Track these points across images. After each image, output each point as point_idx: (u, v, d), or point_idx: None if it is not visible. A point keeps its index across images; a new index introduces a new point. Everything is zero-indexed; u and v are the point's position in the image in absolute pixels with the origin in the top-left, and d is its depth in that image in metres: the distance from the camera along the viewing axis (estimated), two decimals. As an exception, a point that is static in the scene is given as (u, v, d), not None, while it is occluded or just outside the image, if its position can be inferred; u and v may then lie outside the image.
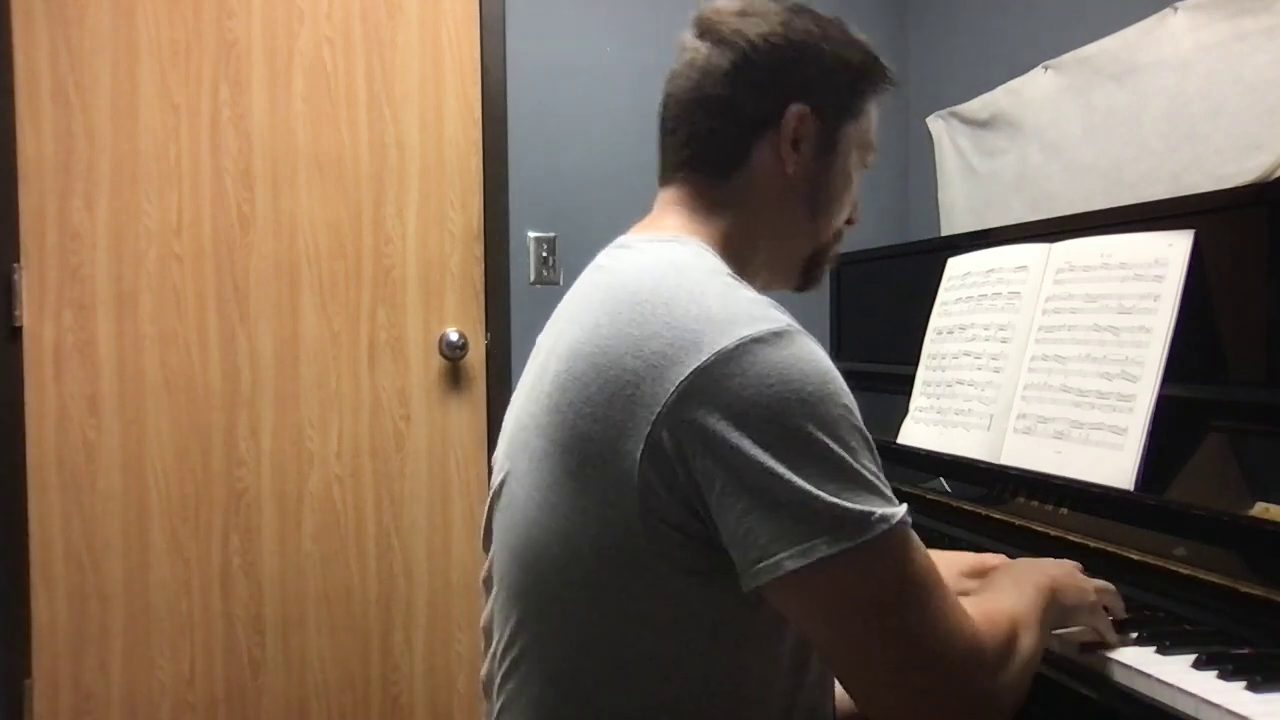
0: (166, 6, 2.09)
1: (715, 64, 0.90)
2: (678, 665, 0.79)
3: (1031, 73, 2.09)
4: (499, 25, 2.29)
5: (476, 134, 2.29)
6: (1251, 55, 1.57)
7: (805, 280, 1.00)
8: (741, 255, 0.90)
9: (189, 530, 2.12)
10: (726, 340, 0.73)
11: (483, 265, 2.30)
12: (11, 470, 2.00)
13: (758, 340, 0.73)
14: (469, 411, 2.30)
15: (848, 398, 0.75)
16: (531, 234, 2.33)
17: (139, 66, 2.08)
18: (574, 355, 0.80)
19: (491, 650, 0.92)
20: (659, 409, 0.73)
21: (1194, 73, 1.68)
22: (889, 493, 0.74)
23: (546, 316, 1.00)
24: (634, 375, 0.74)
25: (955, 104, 2.37)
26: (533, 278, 2.33)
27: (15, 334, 2.01)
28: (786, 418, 0.71)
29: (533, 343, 0.98)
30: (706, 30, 0.92)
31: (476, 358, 2.30)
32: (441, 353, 2.26)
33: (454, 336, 2.25)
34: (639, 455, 0.73)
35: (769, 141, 0.90)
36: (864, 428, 0.75)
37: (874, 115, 0.98)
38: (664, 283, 0.79)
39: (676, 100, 0.93)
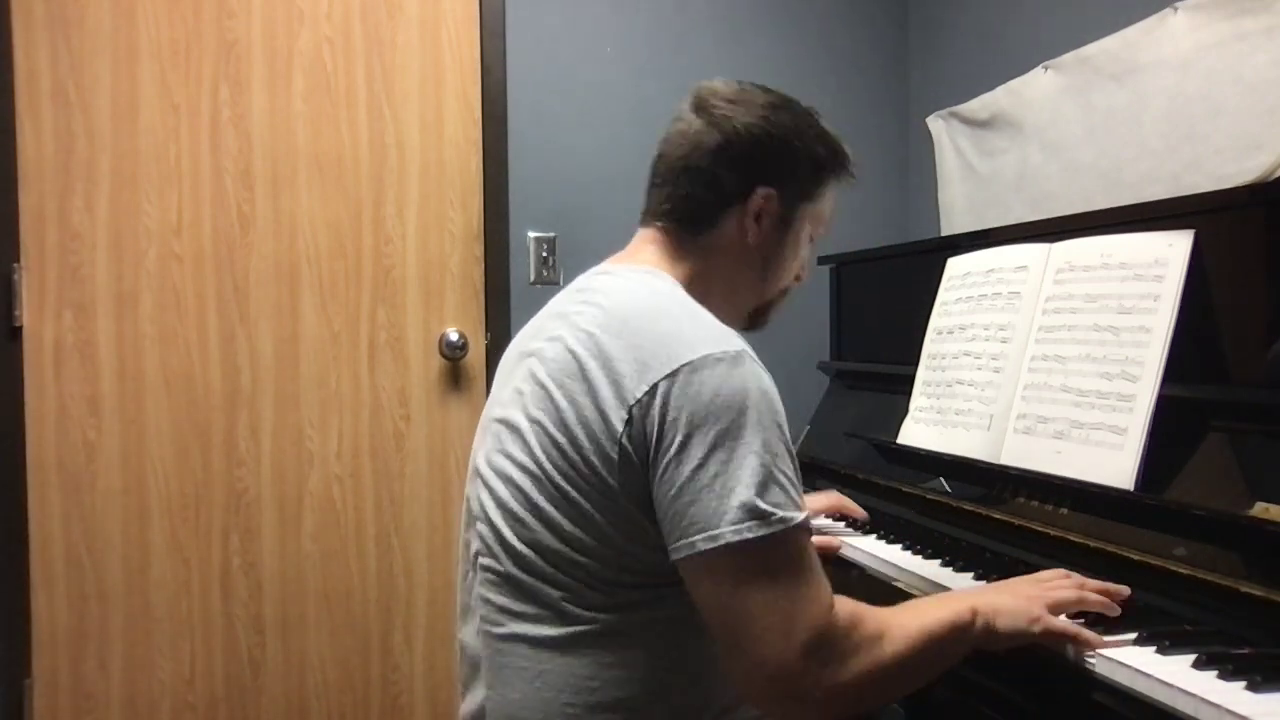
0: (166, 6, 2.09)
1: (704, 140, 1.07)
2: (661, 584, 0.95)
3: (1031, 73, 2.09)
4: (499, 25, 2.29)
5: (476, 134, 2.29)
6: (1251, 55, 1.57)
7: (750, 324, 1.17)
8: (698, 295, 1.04)
9: (189, 530, 2.12)
10: (693, 355, 0.90)
11: (483, 265, 2.30)
12: (11, 470, 2.00)
13: (717, 359, 0.90)
14: (469, 411, 2.30)
15: (781, 415, 0.92)
16: (531, 234, 2.33)
17: (139, 66, 2.08)
18: (570, 357, 0.96)
19: (473, 614, 1.05)
20: (636, 400, 0.91)
21: (1194, 73, 1.68)
22: (797, 496, 0.90)
23: None
24: (620, 374, 0.92)
25: (955, 104, 2.37)
26: (533, 278, 2.33)
27: (15, 334, 2.01)
28: (724, 422, 0.88)
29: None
30: (701, 108, 1.08)
31: (476, 358, 2.30)
32: (441, 353, 2.26)
33: (454, 336, 2.25)
34: (620, 435, 0.91)
35: (736, 213, 1.08)
36: (788, 439, 0.92)
37: (830, 198, 1.15)
38: (649, 303, 0.99)
39: (667, 162, 1.10)
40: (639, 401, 0.90)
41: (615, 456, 0.91)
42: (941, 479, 1.50)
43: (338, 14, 2.19)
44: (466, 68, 2.28)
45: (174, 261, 2.10)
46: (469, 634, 1.06)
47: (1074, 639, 0.96)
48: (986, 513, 1.36)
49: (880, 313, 2.03)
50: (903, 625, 0.92)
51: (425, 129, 2.26)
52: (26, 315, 2.01)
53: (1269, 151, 1.53)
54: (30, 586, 2.02)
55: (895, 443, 1.61)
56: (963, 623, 0.95)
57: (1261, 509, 0.99)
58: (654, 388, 0.90)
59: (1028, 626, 0.97)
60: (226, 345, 2.14)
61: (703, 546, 0.86)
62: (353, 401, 2.22)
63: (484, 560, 1.02)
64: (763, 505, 0.86)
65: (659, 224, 1.10)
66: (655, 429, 0.89)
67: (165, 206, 2.10)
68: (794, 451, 0.92)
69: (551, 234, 2.33)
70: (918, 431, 1.57)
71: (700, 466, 0.87)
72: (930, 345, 1.61)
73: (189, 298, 2.11)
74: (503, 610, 0.99)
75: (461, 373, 2.29)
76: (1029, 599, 1.00)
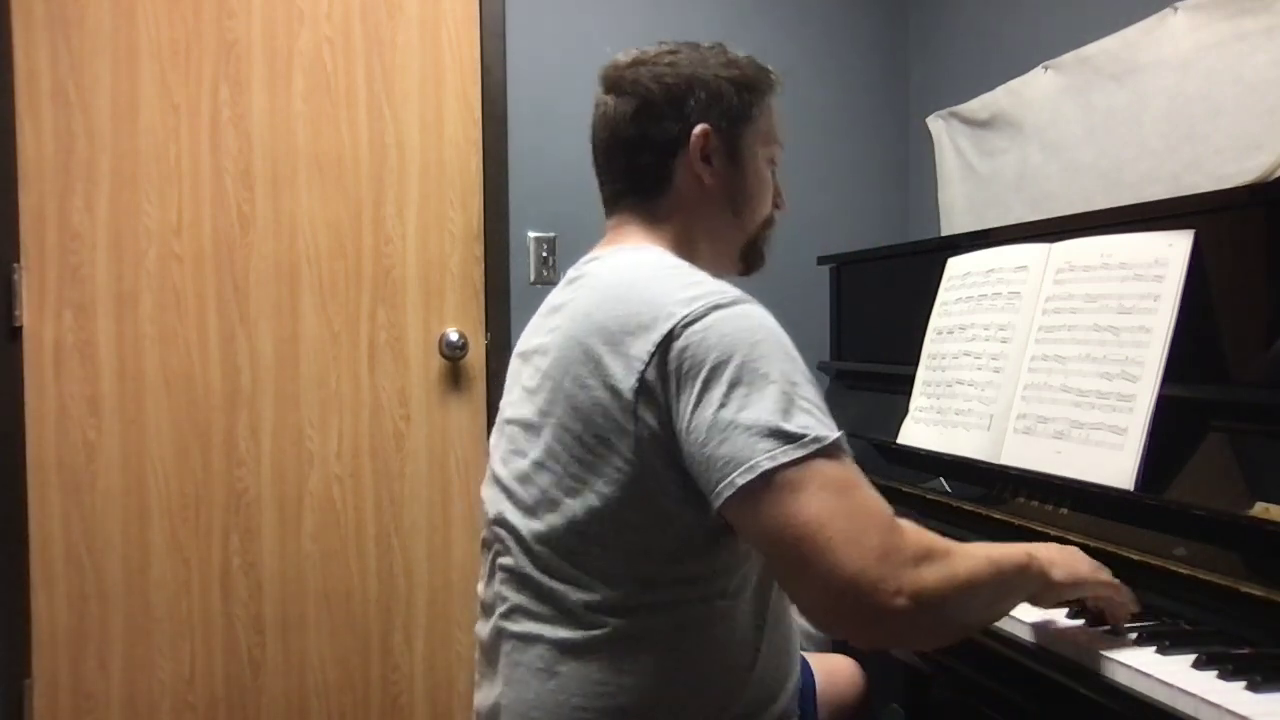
0: (166, 6, 2.09)
1: (622, 111, 1.08)
2: (675, 584, 0.94)
3: (1031, 73, 2.09)
4: (499, 25, 2.29)
5: (476, 134, 2.29)
6: (1251, 55, 1.57)
7: (746, 266, 1.17)
8: (687, 254, 1.06)
9: (189, 530, 2.12)
10: (694, 306, 0.90)
11: (483, 265, 2.30)
12: (11, 470, 2.00)
13: (719, 306, 0.91)
14: (469, 411, 2.30)
15: (792, 347, 0.91)
16: (531, 234, 2.33)
17: (139, 66, 2.08)
18: (571, 343, 0.96)
19: (493, 611, 1.04)
20: (644, 365, 0.90)
21: (1194, 73, 1.68)
22: (825, 419, 0.88)
23: None
24: (624, 345, 0.92)
25: (955, 104, 2.37)
26: (533, 278, 2.33)
27: (15, 334, 2.01)
28: (740, 358, 0.87)
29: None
30: (611, 85, 1.10)
31: (476, 358, 2.30)
32: (441, 353, 2.26)
33: (454, 336, 2.25)
34: (633, 406, 0.90)
35: (684, 162, 1.08)
36: (806, 370, 0.91)
37: (769, 116, 1.13)
38: (639, 274, 0.99)
39: (600, 148, 1.12)
40: (647, 365, 0.89)
41: (631, 428, 0.90)
42: (941, 479, 1.50)
43: (338, 14, 2.19)
44: (466, 68, 2.28)
45: (174, 261, 2.10)
46: (486, 630, 1.06)
47: (1117, 594, 1.00)
48: (986, 513, 1.36)
49: (880, 313, 2.03)
50: (968, 550, 0.88)
51: (425, 129, 2.26)
52: (26, 315, 2.01)
53: (1269, 151, 1.53)
54: (30, 586, 2.02)
55: (895, 443, 1.61)
56: (1023, 563, 0.93)
57: (1261, 509, 0.99)
58: (659, 345, 0.89)
59: (1087, 574, 0.99)
60: (226, 345, 2.14)
61: (741, 480, 0.83)
62: (353, 401, 2.22)
63: (502, 560, 1.02)
64: (791, 429, 0.84)
65: (622, 205, 1.11)
66: (671, 385, 0.89)
67: (165, 206, 2.10)
68: (813, 379, 0.91)
69: (551, 234, 2.33)
70: (918, 431, 1.57)
71: (722, 407, 0.86)
72: (930, 345, 1.61)
73: (189, 298, 2.11)
74: (519, 610, 0.99)
75: (461, 373, 2.29)
76: (1077, 557, 1.01)
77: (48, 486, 2.03)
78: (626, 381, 0.90)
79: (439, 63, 2.26)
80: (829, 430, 0.86)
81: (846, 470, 0.86)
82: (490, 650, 1.05)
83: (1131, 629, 1.00)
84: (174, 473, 2.11)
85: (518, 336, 2.36)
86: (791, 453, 0.83)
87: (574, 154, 2.36)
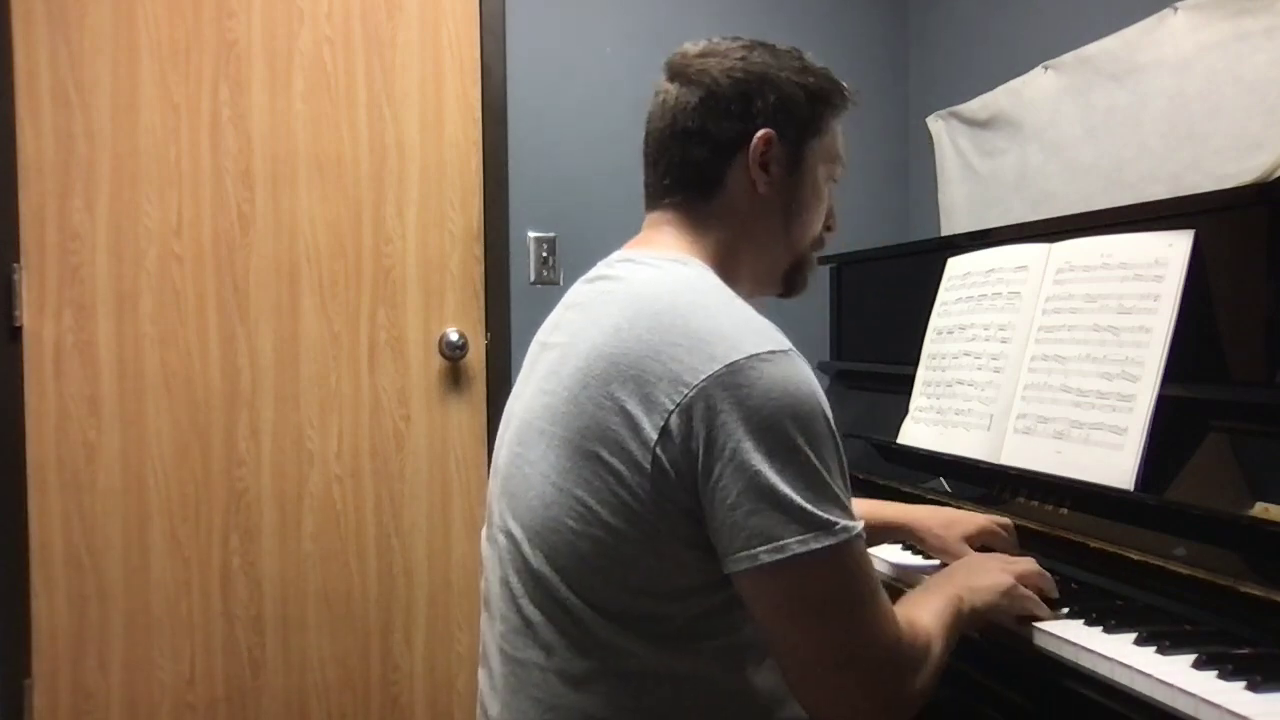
0: (166, 6, 2.09)
1: (685, 100, 1.01)
2: (680, 628, 0.90)
3: (1031, 73, 2.09)
4: (499, 25, 2.29)
5: (476, 134, 2.29)
6: (1251, 55, 1.57)
7: (787, 287, 1.10)
8: (728, 267, 1.01)
9: (189, 530, 2.12)
10: (737, 354, 0.84)
11: (483, 265, 2.30)
12: (11, 470, 2.00)
13: (763, 358, 0.84)
14: (469, 411, 2.30)
15: (830, 420, 0.87)
16: (531, 234, 2.33)
17: (139, 66, 2.08)
18: (594, 355, 0.90)
19: (494, 619, 1.00)
20: (675, 405, 0.84)
21: (1194, 73, 1.68)
22: (852, 508, 0.86)
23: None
24: (653, 375, 0.85)
25: (955, 104, 2.37)
26: (533, 278, 2.33)
27: (15, 334, 2.01)
28: (781, 429, 0.83)
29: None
30: (676, 73, 1.03)
31: (476, 358, 2.30)
32: (441, 353, 2.26)
33: (454, 336, 2.25)
34: (654, 443, 0.84)
35: (740, 165, 1.01)
36: (840, 446, 0.88)
37: (838, 132, 1.09)
38: (681, 297, 0.91)
39: (655, 136, 1.04)
40: (678, 406, 0.84)
41: (648, 465, 0.85)
42: (941, 479, 1.50)
43: (338, 14, 2.19)
44: (466, 68, 2.28)
45: (174, 261, 2.10)
46: (491, 635, 1.01)
47: (1032, 612, 1.04)
48: (986, 513, 1.36)
49: (880, 313, 2.03)
50: (927, 626, 0.92)
51: (425, 129, 2.26)
52: (26, 315, 2.01)
53: (1269, 151, 1.53)
54: (30, 587, 2.02)
55: (895, 443, 1.61)
56: (956, 610, 0.97)
57: (1261, 509, 0.99)
58: (696, 390, 0.83)
59: (1000, 600, 1.03)
60: (226, 345, 2.14)
61: (767, 559, 0.81)
62: (353, 401, 2.22)
63: (510, 577, 0.97)
64: (826, 515, 0.82)
65: (666, 201, 1.03)
66: (701, 435, 0.83)
67: (165, 206, 2.10)
68: (842, 453, 0.88)
69: (551, 234, 2.33)
70: (918, 431, 1.57)
71: (756, 474, 0.81)
72: (930, 345, 1.61)
73: (189, 298, 2.11)
74: (519, 632, 0.94)
75: (461, 373, 2.29)
76: (998, 572, 1.06)
77: (48, 486, 2.03)
78: (649, 418, 0.85)
79: (439, 63, 2.26)
80: (855, 521, 0.85)
81: (868, 565, 0.86)
82: (491, 662, 1.01)
83: (1131, 629, 1.00)
84: (174, 473, 2.11)
85: (518, 336, 2.37)
86: (823, 539, 0.81)
87: (574, 154, 2.39)
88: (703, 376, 0.83)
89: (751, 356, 0.84)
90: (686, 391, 0.84)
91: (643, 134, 1.07)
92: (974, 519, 1.26)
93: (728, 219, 1.02)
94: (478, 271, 2.30)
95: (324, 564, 2.20)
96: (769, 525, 0.81)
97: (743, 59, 1.02)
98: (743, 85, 1.00)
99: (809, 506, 0.82)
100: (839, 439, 0.88)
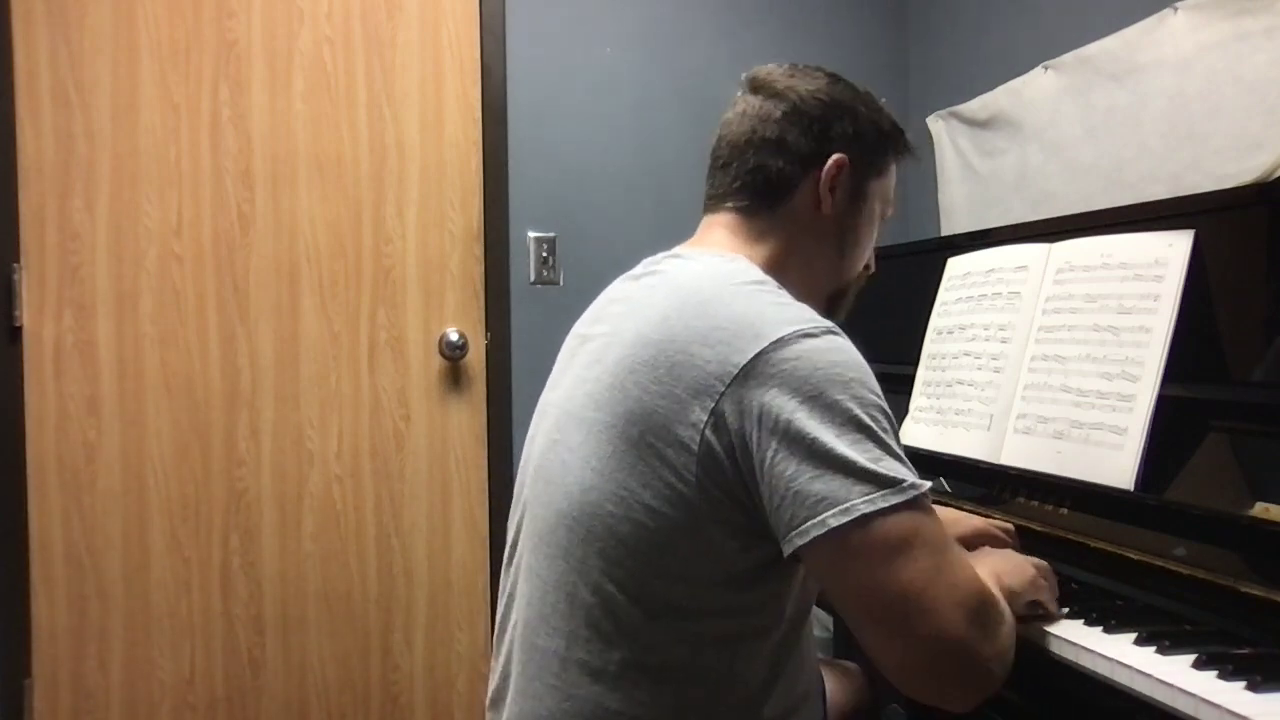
0: (166, 6, 2.09)
1: (768, 112, 1.04)
2: (707, 614, 0.89)
3: (1031, 73, 2.09)
4: (499, 25, 2.29)
5: (476, 134, 2.29)
6: (1251, 55, 1.57)
7: (828, 312, 1.10)
8: (774, 276, 1.00)
9: (189, 530, 2.12)
10: (782, 331, 0.86)
11: (483, 265, 2.30)
12: (11, 470, 2.00)
13: (807, 334, 0.86)
14: (469, 411, 2.30)
15: (879, 388, 0.88)
16: (531, 234, 2.33)
17: (139, 66, 2.08)
18: (640, 343, 0.91)
19: (515, 606, 1.00)
20: (724, 387, 0.85)
21: (1194, 73, 1.68)
22: (912, 467, 0.85)
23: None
24: (701, 359, 0.86)
25: (955, 104, 2.37)
26: (533, 278, 2.33)
27: (15, 334, 2.01)
28: (832, 396, 0.83)
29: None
30: (760, 87, 1.06)
31: (476, 358, 2.30)
32: (441, 353, 2.26)
33: (454, 336, 2.25)
34: (703, 425, 0.85)
35: (810, 182, 1.04)
36: (891, 414, 0.87)
37: (894, 175, 1.12)
38: (725, 286, 0.93)
39: (729, 141, 1.07)
40: (727, 388, 0.84)
41: (695, 448, 0.85)
42: (941, 479, 1.50)
43: (338, 14, 2.19)
44: (466, 68, 2.28)
45: (174, 261, 2.10)
46: (509, 623, 1.02)
47: (1046, 606, 1.03)
48: (986, 513, 1.36)
49: (880, 313, 2.02)
50: (993, 588, 0.90)
51: (425, 129, 2.26)
52: (26, 315, 2.01)
53: (1269, 151, 1.53)
54: (30, 587, 2.02)
55: (895, 443, 1.60)
56: (999, 584, 0.94)
57: (1261, 509, 0.99)
58: (743, 370, 0.84)
59: (1028, 588, 1.01)
60: (226, 345, 2.14)
61: (835, 522, 0.80)
62: (353, 401, 2.22)
63: (538, 564, 0.97)
64: (891, 474, 0.81)
65: (729, 204, 1.06)
66: (753, 413, 0.83)
67: (165, 206, 2.10)
68: (896, 426, 0.89)
69: (551, 234, 2.33)
70: (917, 431, 1.57)
71: (814, 441, 0.81)
72: (930, 345, 1.61)
73: (189, 298, 2.11)
74: (541, 621, 0.94)
75: (461, 373, 2.29)
76: (1022, 560, 1.05)
77: (48, 487, 2.03)
78: (698, 400, 0.85)
79: (439, 63, 2.26)
80: (919, 478, 0.84)
81: (938, 520, 0.84)
82: (507, 651, 1.01)
83: (1132, 629, 1.00)
84: (174, 473, 2.11)
85: (518, 336, 2.37)
86: (890, 498, 0.81)
87: (574, 154, 2.39)
88: (750, 355, 0.85)
89: (796, 332, 0.86)
90: (734, 372, 0.85)
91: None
92: (971, 521, 1.26)
93: (785, 231, 1.05)
94: (478, 271, 2.30)
95: (324, 564, 2.20)
96: (834, 489, 0.81)
97: (827, 85, 1.06)
98: (826, 108, 1.04)
99: (872, 466, 0.81)
100: (888, 407, 0.87)
